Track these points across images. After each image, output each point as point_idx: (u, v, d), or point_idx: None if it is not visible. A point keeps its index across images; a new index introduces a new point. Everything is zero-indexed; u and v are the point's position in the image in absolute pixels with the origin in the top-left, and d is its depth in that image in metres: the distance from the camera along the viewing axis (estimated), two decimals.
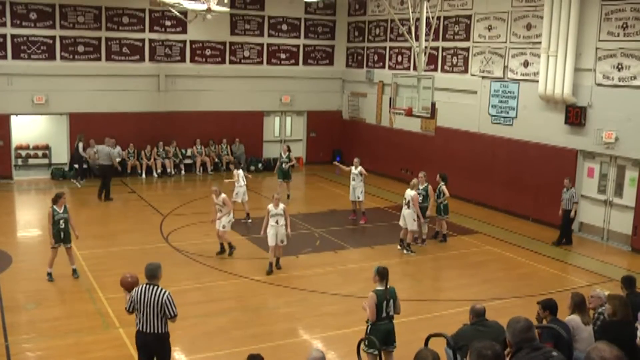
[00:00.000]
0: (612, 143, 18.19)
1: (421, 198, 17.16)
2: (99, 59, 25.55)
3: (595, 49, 18.62)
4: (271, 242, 15.02)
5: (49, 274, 14.02)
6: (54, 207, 13.98)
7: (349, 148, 29.75)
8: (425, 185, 17.51)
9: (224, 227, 15.92)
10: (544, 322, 8.69)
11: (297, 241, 17.16)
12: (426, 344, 7.79)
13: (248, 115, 28.27)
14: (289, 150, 22.39)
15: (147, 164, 26.07)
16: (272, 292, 14.06)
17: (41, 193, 23.24)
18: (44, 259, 14.30)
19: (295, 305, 13.43)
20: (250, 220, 19.18)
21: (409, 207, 16.70)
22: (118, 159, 25.38)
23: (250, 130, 28.48)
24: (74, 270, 14.31)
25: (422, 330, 9.37)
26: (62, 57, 24.90)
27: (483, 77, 22.62)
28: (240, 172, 19.61)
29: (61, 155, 26.09)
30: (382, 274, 9.42)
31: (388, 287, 9.41)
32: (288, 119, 30.02)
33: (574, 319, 8.90)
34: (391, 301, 9.39)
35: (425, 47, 20.51)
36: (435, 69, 24.19)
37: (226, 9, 23.94)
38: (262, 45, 28.55)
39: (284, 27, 28.87)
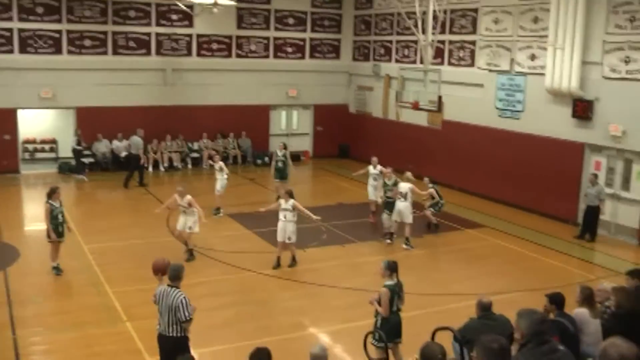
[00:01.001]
0: (619, 137, 18.12)
1: (389, 193, 17.25)
2: (106, 52, 25.57)
3: (602, 42, 18.53)
4: (279, 237, 15.02)
5: (56, 268, 14.05)
6: (51, 201, 13.96)
7: (355, 142, 29.76)
8: (393, 179, 17.45)
9: (190, 228, 15.22)
10: (551, 315, 8.68)
11: (305, 234, 17.14)
12: (433, 337, 7.78)
13: (254, 109, 28.26)
14: (285, 148, 21.30)
15: (154, 158, 26.11)
16: (279, 286, 14.08)
17: (48, 187, 23.19)
18: None
19: (302, 298, 13.45)
20: (221, 214, 19.39)
21: (405, 199, 16.59)
22: (125, 153, 25.53)
23: (256, 124, 28.48)
24: (57, 267, 14.18)
25: (428, 324, 9.34)
26: (68, 51, 24.94)
27: (490, 71, 22.55)
28: (222, 163, 20.00)
29: (68, 150, 26.12)
30: (392, 268, 9.46)
31: (399, 280, 9.45)
32: (294, 112, 30.00)
33: (582, 312, 8.88)
34: (401, 295, 9.43)
35: (432, 41, 20.46)
36: (442, 63, 24.13)
37: (232, 2, 23.97)
38: (268, 38, 28.53)
39: (291, 20, 28.84)
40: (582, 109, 19.00)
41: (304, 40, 29.33)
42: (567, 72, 19.08)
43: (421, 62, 22.25)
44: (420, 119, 25.11)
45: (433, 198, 18.27)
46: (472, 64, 23.38)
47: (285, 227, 14.89)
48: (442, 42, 23.89)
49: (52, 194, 14.05)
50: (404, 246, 16.76)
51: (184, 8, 24.35)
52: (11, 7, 23.88)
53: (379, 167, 18.98)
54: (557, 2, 19.22)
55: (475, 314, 8.42)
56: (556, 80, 19.43)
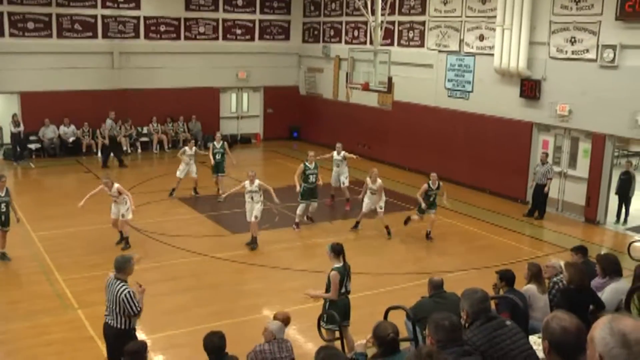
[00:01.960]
0: (566, 116, 18.46)
1: (313, 178, 17.00)
2: (50, 35, 24.96)
3: (549, 22, 18.80)
4: (248, 218, 15.14)
5: (3, 254, 13.80)
6: None
7: (306, 123, 29.75)
8: (314, 163, 17.15)
9: (123, 216, 14.86)
10: (501, 292, 8.83)
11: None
12: (385, 317, 7.86)
13: (204, 92, 27.98)
14: (223, 140, 20.36)
15: (103, 143, 25.67)
16: (233, 269, 14.05)
17: None
18: None
19: (256, 281, 13.46)
20: (198, 195, 19.55)
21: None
22: (72, 138, 25.11)
23: (206, 107, 28.22)
24: (3, 255, 13.97)
25: (381, 303, 9.43)
26: (10, 34, 24.24)
27: (439, 51, 22.71)
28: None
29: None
30: (337, 251, 9.49)
31: (346, 262, 9.50)
32: (245, 95, 29.81)
33: (530, 289, 9.06)
34: (349, 278, 9.50)
35: (382, 22, 20.51)
36: (392, 44, 24.21)
37: None
38: (217, 20, 28.22)
39: (240, 2, 28.54)
40: (530, 89, 19.29)
41: (253, 22, 29.08)
42: (515, 52, 19.33)
43: (371, 43, 22.30)
44: (370, 100, 25.19)
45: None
46: (421, 45, 23.50)
47: (253, 207, 15.02)
48: (392, 23, 23.96)
49: None
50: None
51: None
52: None
53: (343, 152, 18.83)
54: None
55: (428, 292, 8.53)
56: (504, 60, 19.67)
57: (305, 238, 16.33)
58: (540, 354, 5.01)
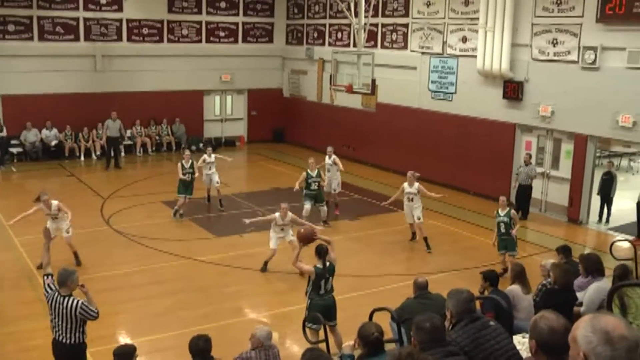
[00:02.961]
0: (549, 117, 18.59)
1: (315, 185, 16.89)
2: (32, 38, 24.78)
3: (531, 24, 18.93)
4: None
5: None
6: None
7: (290, 126, 29.76)
8: (317, 170, 17.06)
9: (67, 232, 14.02)
10: (486, 292, 8.89)
11: (241, 220, 17.09)
12: (370, 318, 7.88)
13: (188, 95, 27.90)
14: (191, 158, 18.16)
15: (86, 146, 25.56)
16: (217, 272, 14.03)
17: None
18: None
19: (241, 284, 13.44)
20: (223, 209, 18.60)
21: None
22: (55, 142, 24.94)
23: (190, 110, 28.12)
24: None
25: (366, 304, 9.47)
26: None
27: (422, 53, 22.79)
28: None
29: None
30: (319, 252, 9.76)
31: (327, 264, 9.61)
32: (228, 97, 29.75)
33: (514, 289, 9.13)
34: (330, 278, 9.59)
35: (365, 24, 20.56)
36: (375, 46, 24.26)
37: None
38: (200, 23, 28.15)
39: (223, 4, 28.49)
40: (512, 90, 19.40)
41: (236, 24, 29.04)
42: (498, 54, 19.44)
43: (354, 46, 22.34)
44: (354, 102, 25.22)
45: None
46: (405, 47, 23.58)
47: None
48: (375, 25, 24.03)
49: None
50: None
51: None
52: None
53: (333, 157, 18.35)
54: None
55: (413, 293, 8.56)
56: (487, 62, 19.78)
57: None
58: (524, 354, 5.07)
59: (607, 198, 18.39)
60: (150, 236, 16.01)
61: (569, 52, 17.97)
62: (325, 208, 17.36)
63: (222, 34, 28.74)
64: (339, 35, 26.83)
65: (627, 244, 14.14)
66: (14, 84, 24.22)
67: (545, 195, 19.16)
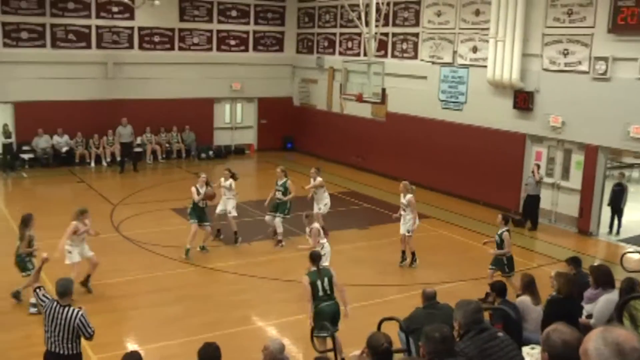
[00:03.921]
0: (559, 127, 18.52)
1: (280, 194, 16.32)
2: (44, 45, 24.95)
3: (542, 34, 18.90)
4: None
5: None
6: None
7: (299, 134, 29.78)
8: (284, 180, 16.52)
9: (90, 251, 13.17)
10: (495, 303, 8.84)
11: (250, 228, 17.12)
12: (379, 328, 7.85)
13: (198, 103, 27.99)
14: (207, 184, 15.79)
15: (96, 153, 25.66)
16: (225, 280, 14.02)
17: None
18: None
19: (249, 292, 13.42)
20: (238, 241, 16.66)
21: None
22: (66, 148, 25.05)
23: (200, 118, 28.20)
24: None
25: (374, 314, 9.42)
26: (4, 44, 24.22)
27: (433, 63, 22.77)
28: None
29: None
30: (312, 258, 9.92)
31: (320, 268, 9.82)
32: (239, 105, 29.81)
33: (523, 300, 9.07)
34: (326, 279, 9.61)
35: (375, 33, 20.57)
36: (385, 55, 24.27)
37: None
38: (211, 31, 28.26)
39: (234, 13, 28.61)
40: (523, 100, 19.36)
41: (247, 33, 29.13)
42: (508, 64, 19.41)
43: (365, 55, 22.36)
44: (364, 111, 25.23)
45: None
46: (415, 57, 23.58)
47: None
48: (386, 34, 24.03)
49: None
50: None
51: (125, 0, 23.93)
52: None
53: (319, 179, 16.88)
54: None
55: (421, 303, 8.53)
56: (497, 72, 19.75)
57: (296, 249, 16.24)
58: None
59: (617, 209, 18.30)
60: (159, 243, 16.01)
61: (580, 63, 17.92)
62: (278, 220, 16.33)
63: (232, 42, 28.83)
64: (350, 44, 26.86)
65: (637, 256, 14.10)
66: (27, 91, 24.36)
67: (555, 206, 19.08)
